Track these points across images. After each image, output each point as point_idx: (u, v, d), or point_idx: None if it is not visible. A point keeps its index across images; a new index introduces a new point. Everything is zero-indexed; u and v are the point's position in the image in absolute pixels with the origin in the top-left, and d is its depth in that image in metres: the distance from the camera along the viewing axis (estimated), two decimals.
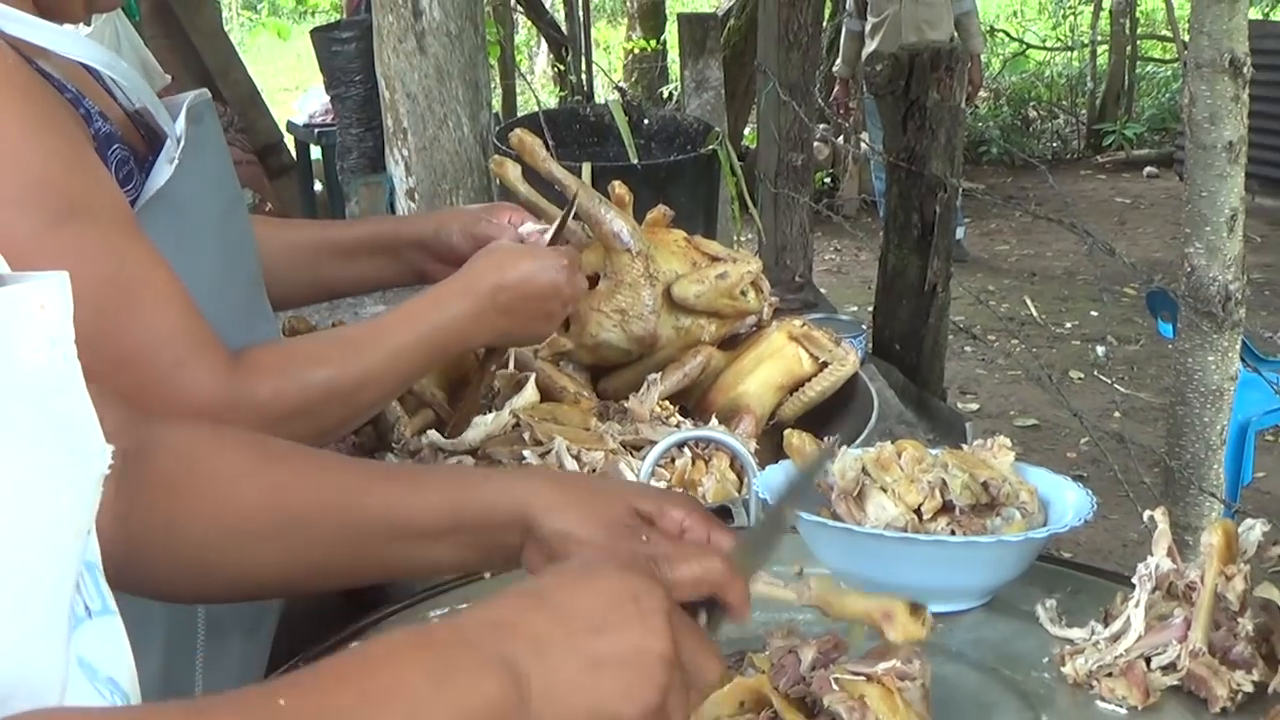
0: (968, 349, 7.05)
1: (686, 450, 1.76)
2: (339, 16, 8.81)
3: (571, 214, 1.87)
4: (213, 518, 1.14)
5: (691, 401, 1.94)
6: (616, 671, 0.87)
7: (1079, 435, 5.55)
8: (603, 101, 4.19)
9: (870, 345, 3.30)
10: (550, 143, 2.13)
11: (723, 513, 1.65)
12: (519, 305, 1.57)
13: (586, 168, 2.10)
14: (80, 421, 0.82)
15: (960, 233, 9.00)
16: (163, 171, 1.40)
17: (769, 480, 1.41)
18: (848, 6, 9.35)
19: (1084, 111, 13.30)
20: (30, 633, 0.73)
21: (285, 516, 1.17)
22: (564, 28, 10.03)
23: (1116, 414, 6.20)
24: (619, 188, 2.05)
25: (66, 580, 0.77)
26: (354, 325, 1.73)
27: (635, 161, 3.14)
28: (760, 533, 1.10)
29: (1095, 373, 6.85)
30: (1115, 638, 1.18)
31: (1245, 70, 2.67)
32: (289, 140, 7.34)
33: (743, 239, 3.66)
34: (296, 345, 1.64)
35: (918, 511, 1.32)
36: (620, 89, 8.86)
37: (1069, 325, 7.88)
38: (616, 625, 0.88)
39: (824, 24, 7.61)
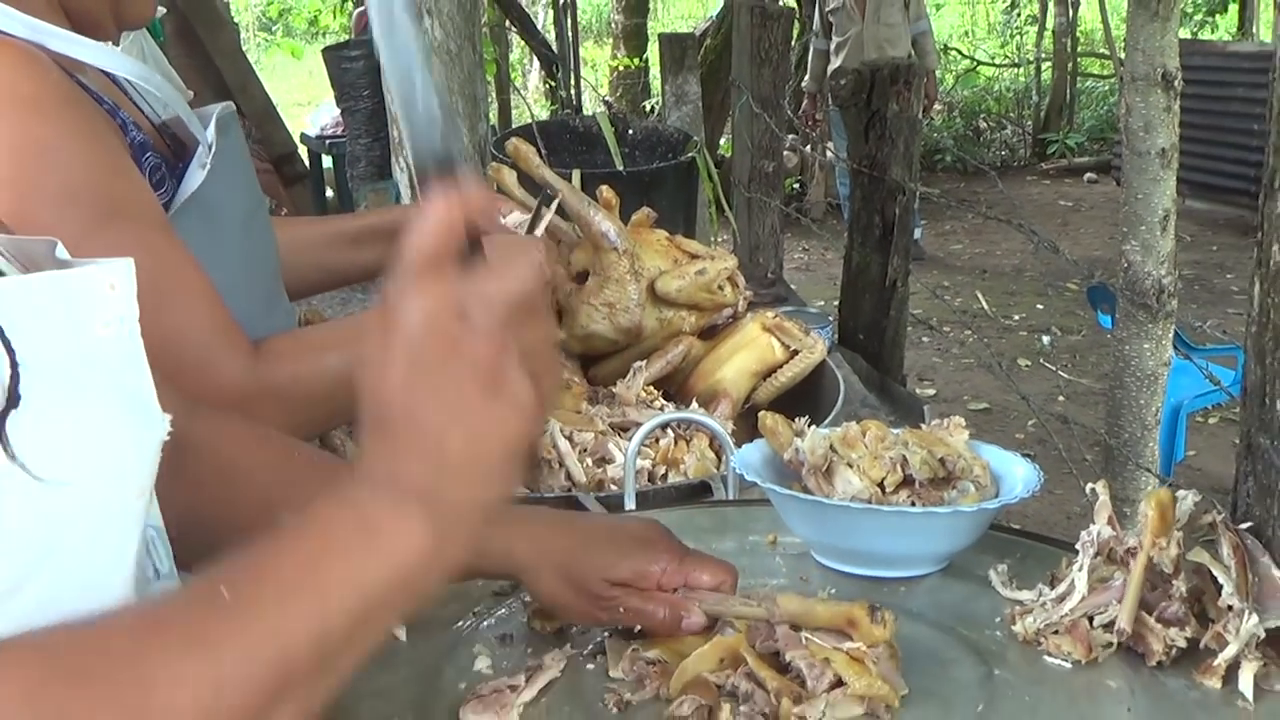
0: (925, 339, 7.05)
1: (669, 431, 1.77)
2: (348, 37, 8.80)
3: (551, 206, 1.88)
4: (250, 520, 1.13)
5: (674, 387, 1.95)
6: (486, 413, 0.78)
7: (1026, 417, 5.56)
8: (591, 114, 4.18)
9: (836, 335, 3.30)
10: (543, 151, 2.12)
11: (703, 488, 1.66)
12: None
13: (576, 174, 2.10)
14: (143, 391, 0.83)
15: (918, 233, 9.01)
16: (195, 176, 1.40)
17: (745, 458, 1.41)
18: (814, 27, 9.35)
19: (1029, 123, 13.32)
20: (92, 581, 0.73)
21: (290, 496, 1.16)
22: (554, 47, 10.01)
23: (1060, 398, 6.22)
24: (606, 192, 2.06)
25: (132, 535, 0.77)
26: (365, 312, 1.73)
27: (621, 168, 3.15)
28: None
29: (1041, 360, 6.87)
30: (1060, 599, 1.18)
31: (1176, 84, 2.69)
32: (302, 150, 7.33)
33: (719, 239, 3.66)
34: (311, 332, 1.65)
35: (881, 485, 1.33)
36: (607, 102, 8.83)
37: (1017, 317, 7.90)
38: (454, 385, 0.78)
39: (792, 43, 7.60)
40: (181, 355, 1.29)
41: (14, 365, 0.69)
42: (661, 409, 1.84)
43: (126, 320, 0.81)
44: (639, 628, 1.16)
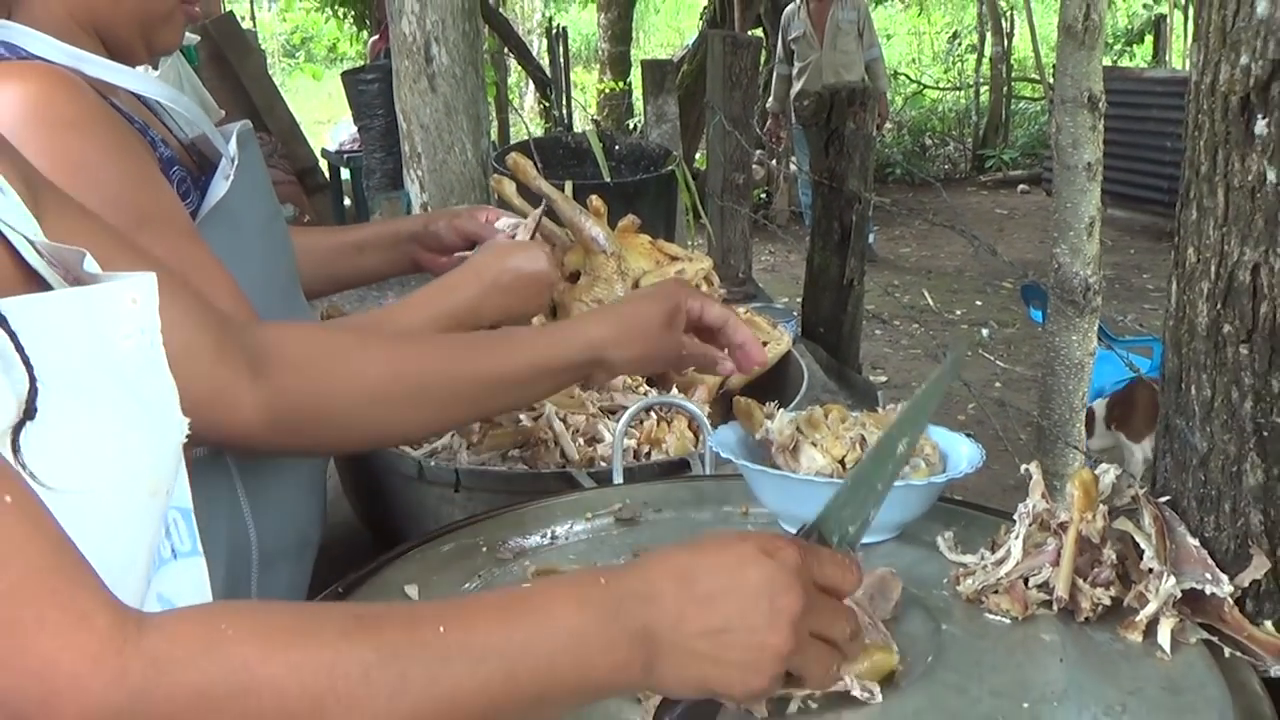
0: (878, 332, 7.06)
1: (652, 413, 1.76)
2: (364, 62, 8.76)
3: (545, 214, 1.89)
4: (340, 389, 1.16)
5: (656, 374, 1.94)
6: (735, 659, 0.80)
7: (967, 401, 5.57)
8: (581, 131, 4.16)
9: (800, 329, 3.30)
10: (539, 164, 2.11)
11: (682, 464, 1.65)
12: (517, 285, 1.57)
13: (568, 185, 2.09)
14: (162, 398, 0.81)
15: (871, 238, 9.01)
16: (219, 187, 1.39)
17: (720, 437, 1.40)
18: (778, 54, 9.34)
19: (969, 139, 13.35)
20: (106, 572, 0.72)
21: (405, 385, 1.20)
22: (548, 71, 9.99)
23: (997, 384, 6.23)
24: (595, 201, 2.05)
25: (145, 530, 0.76)
26: (376, 311, 1.72)
27: (608, 180, 3.13)
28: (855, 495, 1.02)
29: (980, 350, 6.88)
30: (999, 562, 1.18)
31: (1100, 105, 2.69)
32: (323, 164, 7.31)
33: (695, 243, 3.65)
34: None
35: (842, 461, 1.33)
36: (595, 121, 8.83)
37: (958, 312, 7.92)
38: (746, 623, 0.80)
39: (760, 68, 7.60)
40: None
41: (32, 381, 0.68)
42: (645, 394, 1.83)
43: (147, 331, 0.80)
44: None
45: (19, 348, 0.68)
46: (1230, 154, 1.10)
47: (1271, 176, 1.06)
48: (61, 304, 0.76)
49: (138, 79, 1.34)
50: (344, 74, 5.58)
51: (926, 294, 8.22)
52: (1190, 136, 1.17)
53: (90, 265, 0.81)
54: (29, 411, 0.67)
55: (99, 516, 0.72)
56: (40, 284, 0.82)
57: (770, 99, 9.34)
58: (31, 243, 0.82)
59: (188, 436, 0.82)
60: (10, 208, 0.82)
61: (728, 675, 0.80)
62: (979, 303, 8.08)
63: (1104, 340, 4.07)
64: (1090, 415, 4.48)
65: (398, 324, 1.49)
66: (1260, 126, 1.07)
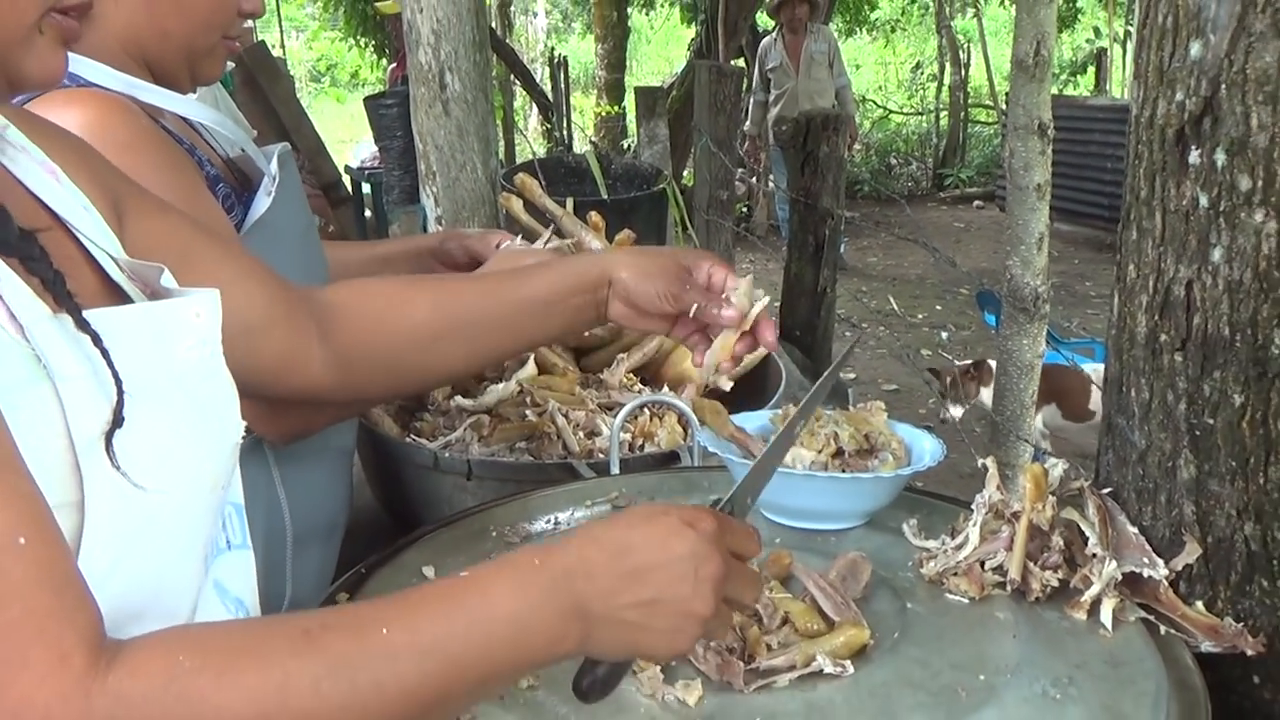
0: (847, 334, 7.04)
1: (646, 410, 1.76)
2: (383, 87, 8.74)
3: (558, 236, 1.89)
4: (395, 332, 1.17)
5: (649, 374, 1.94)
6: (662, 626, 0.80)
7: (928, 396, 5.58)
8: (580, 152, 4.16)
9: (778, 332, 3.31)
10: (543, 183, 2.11)
11: (672, 456, 1.65)
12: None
13: (570, 202, 2.09)
14: (221, 402, 0.81)
15: (842, 248, 9.01)
16: (261, 203, 1.39)
17: (707, 434, 1.40)
18: (755, 82, 9.32)
19: (930, 160, 13.35)
20: (168, 563, 0.72)
21: (449, 320, 1.20)
22: (550, 96, 9.98)
23: None
24: (594, 217, 2.05)
25: (206, 523, 0.76)
26: None
27: (605, 197, 3.13)
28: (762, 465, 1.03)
29: (939, 351, 6.89)
30: (959, 547, 1.18)
31: (1049, 132, 2.70)
32: (346, 179, 7.29)
33: None
34: None
35: (817, 456, 1.33)
36: (593, 142, 8.81)
37: (920, 316, 7.91)
38: (674, 593, 0.79)
39: (742, 95, 7.59)
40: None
41: (120, 391, 0.68)
42: (639, 392, 1.83)
43: (209, 342, 0.80)
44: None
45: (109, 361, 0.68)
46: (1167, 181, 1.11)
47: (1204, 201, 1.06)
48: (134, 317, 0.76)
49: (184, 103, 1.34)
50: (366, 99, 5.56)
51: (892, 300, 8.22)
52: (1131, 165, 1.17)
53: (168, 280, 0.82)
54: (118, 420, 0.67)
55: (173, 512, 0.72)
56: (121, 296, 0.82)
57: (748, 123, 9.33)
58: (114, 260, 0.82)
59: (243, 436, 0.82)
60: (95, 226, 0.82)
61: (656, 640, 0.80)
62: (939, 308, 8.08)
63: (1051, 343, 4.07)
64: (954, 377, 4.45)
65: None
66: (1194, 156, 1.07)
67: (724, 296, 1.25)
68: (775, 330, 1.27)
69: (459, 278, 1.33)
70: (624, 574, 0.78)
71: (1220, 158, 1.04)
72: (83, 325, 0.69)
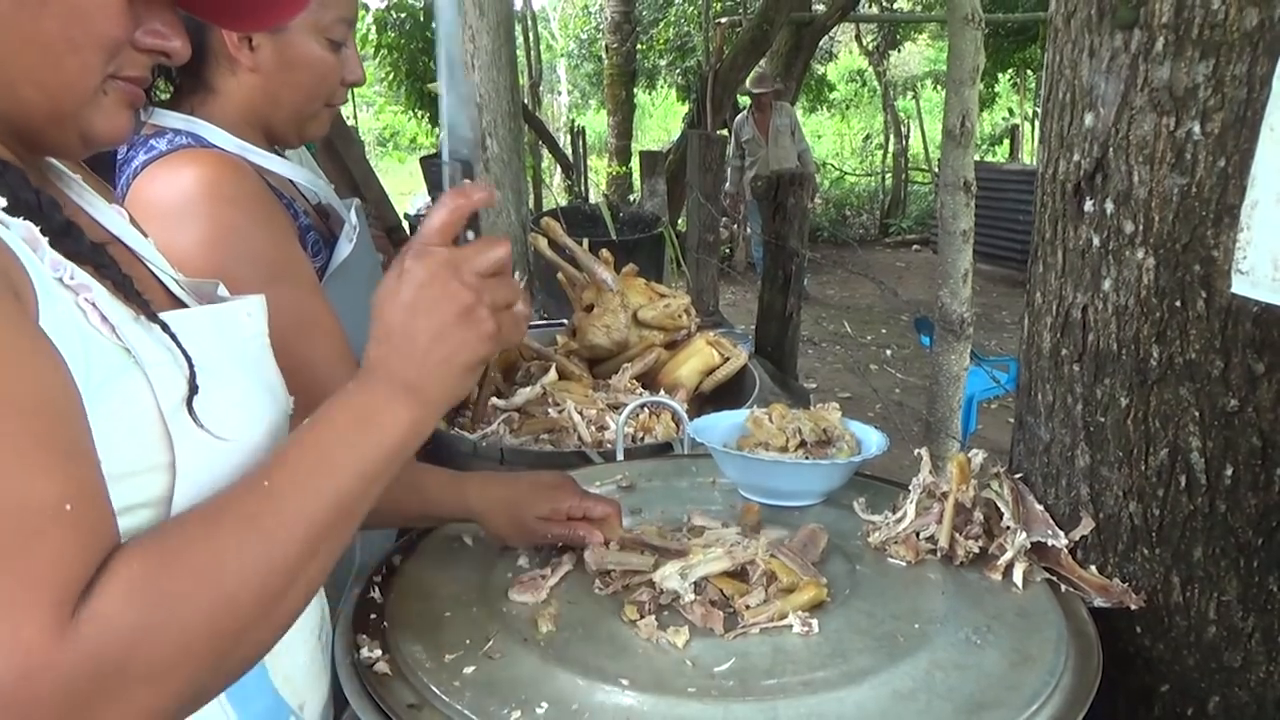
0: (810, 351, 7.03)
1: (645, 409, 1.76)
2: (435, 150, 8.74)
3: (569, 261, 1.89)
4: None
5: (648, 380, 1.94)
6: (460, 336, 0.72)
7: (875, 403, 5.56)
8: (594, 201, 4.16)
9: (753, 349, 3.30)
10: (564, 225, 2.11)
11: (666, 447, 1.65)
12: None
13: (585, 241, 2.09)
14: (273, 382, 0.82)
15: (806, 282, 9.00)
16: (344, 247, 1.38)
17: (696, 426, 1.40)
18: (730, 150, 9.25)
19: (878, 211, 13.34)
20: None
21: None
22: (570, 158, 9.98)
23: (897, 390, 6.20)
24: (605, 253, 2.05)
25: None
26: None
27: (615, 237, 3.13)
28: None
29: (885, 366, 6.88)
30: (898, 521, 1.18)
31: (972, 189, 2.70)
32: (405, 224, 7.28)
33: (677, 284, 3.65)
34: None
35: (784, 447, 1.32)
36: (605, 195, 8.81)
37: (869, 338, 7.88)
38: (442, 310, 0.72)
39: (724, 158, 7.60)
40: (315, 377, 1.23)
41: (190, 364, 0.69)
42: (640, 395, 1.83)
43: (259, 336, 0.82)
44: (560, 545, 1.13)
45: (178, 343, 0.69)
46: (1066, 225, 1.11)
47: (1096, 242, 1.06)
48: (199, 316, 0.78)
49: (285, 166, 1.33)
50: (422, 159, 5.58)
51: (846, 324, 8.20)
52: (1037, 212, 1.17)
53: (222, 291, 0.83)
54: (193, 388, 0.68)
55: (244, 461, 0.72)
56: (181, 306, 0.82)
57: (728, 184, 9.31)
58: (174, 278, 0.83)
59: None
60: (155, 255, 0.83)
61: (466, 354, 0.73)
62: (884, 331, 8.05)
63: (974, 359, 4.06)
64: None
65: None
66: (1088, 205, 1.07)
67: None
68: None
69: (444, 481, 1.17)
70: (405, 334, 0.72)
71: (1109, 206, 1.04)
72: (153, 317, 0.70)
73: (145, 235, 0.85)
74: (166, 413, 0.67)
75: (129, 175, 1.21)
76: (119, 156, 1.25)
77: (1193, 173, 0.97)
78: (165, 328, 0.70)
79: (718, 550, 1.01)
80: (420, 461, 1.77)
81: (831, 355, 6.97)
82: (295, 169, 1.35)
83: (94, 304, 0.66)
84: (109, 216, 0.81)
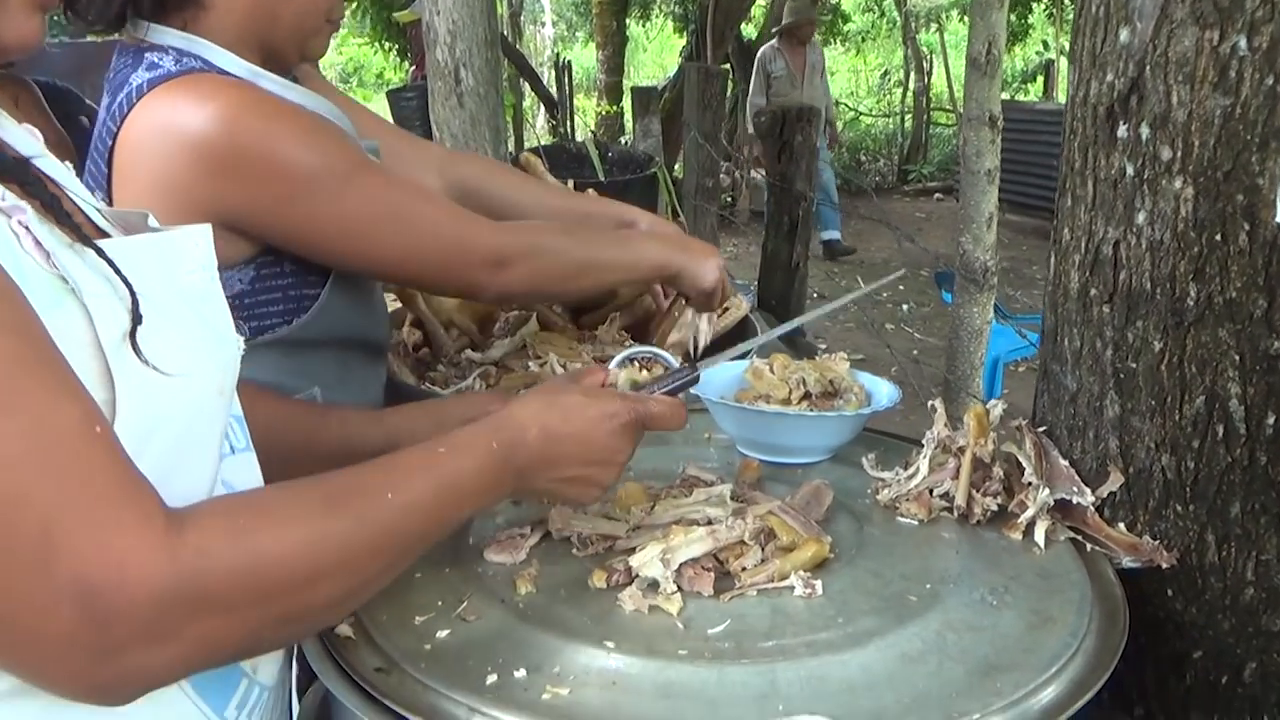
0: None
1: (636, 362, 1.76)
2: (405, 83, 8.69)
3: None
4: (302, 462, 1.00)
5: (639, 332, 1.94)
6: (571, 493, 0.97)
7: (891, 364, 5.58)
8: (581, 139, 4.15)
9: (756, 301, 3.31)
10: (546, 165, 2.11)
11: None
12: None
13: (571, 183, 2.08)
14: (220, 320, 0.83)
15: (838, 235, 9.01)
16: None
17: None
18: (752, 87, 9.07)
19: (896, 157, 13.30)
20: (186, 452, 0.74)
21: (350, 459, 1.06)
22: (555, 97, 9.93)
23: (915, 351, 6.23)
24: (592, 193, 2.04)
25: (214, 422, 0.78)
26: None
27: (602, 179, 3.13)
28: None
29: (901, 325, 6.90)
30: (910, 477, 1.19)
31: (998, 124, 2.69)
32: None
33: None
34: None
35: (787, 398, 1.33)
36: (593, 132, 8.76)
37: (884, 295, 7.90)
38: (588, 476, 0.96)
39: (726, 95, 7.54)
40: (456, 259, 1.32)
41: (132, 293, 0.70)
42: (629, 347, 1.84)
43: (206, 268, 0.82)
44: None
45: (117, 270, 0.70)
46: (1098, 153, 1.11)
47: (1129, 171, 1.07)
48: (141, 244, 0.78)
49: (302, 95, 1.33)
50: (388, 92, 5.56)
51: (859, 279, 8.22)
52: (1067, 139, 1.18)
53: (153, 222, 0.83)
54: (137, 318, 0.69)
55: (190, 403, 0.74)
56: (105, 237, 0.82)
57: (750, 128, 9.21)
58: (98, 209, 0.83)
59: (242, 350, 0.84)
60: (73, 183, 0.83)
61: (564, 498, 1.00)
62: (901, 288, 8.05)
63: (1001, 317, 4.09)
64: None
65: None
66: (1122, 131, 1.08)
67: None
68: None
69: (368, 417, 1.19)
70: (549, 459, 0.93)
71: (1145, 131, 1.05)
72: (88, 242, 0.70)
73: (66, 163, 0.84)
74: (107, 346, 0.68)
75: (129, 94, 1.20)
76: (109, 72, 1.25)
77: (1237, 92, 0.98)
78: (102, 254, 0.70)
79: (699, 531, 1.02)
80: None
81: (843, 313, 6.98)
82: (313, 98, 1.35)
83: (27, 228, 0.67)
84: (17, 135, 0.80)
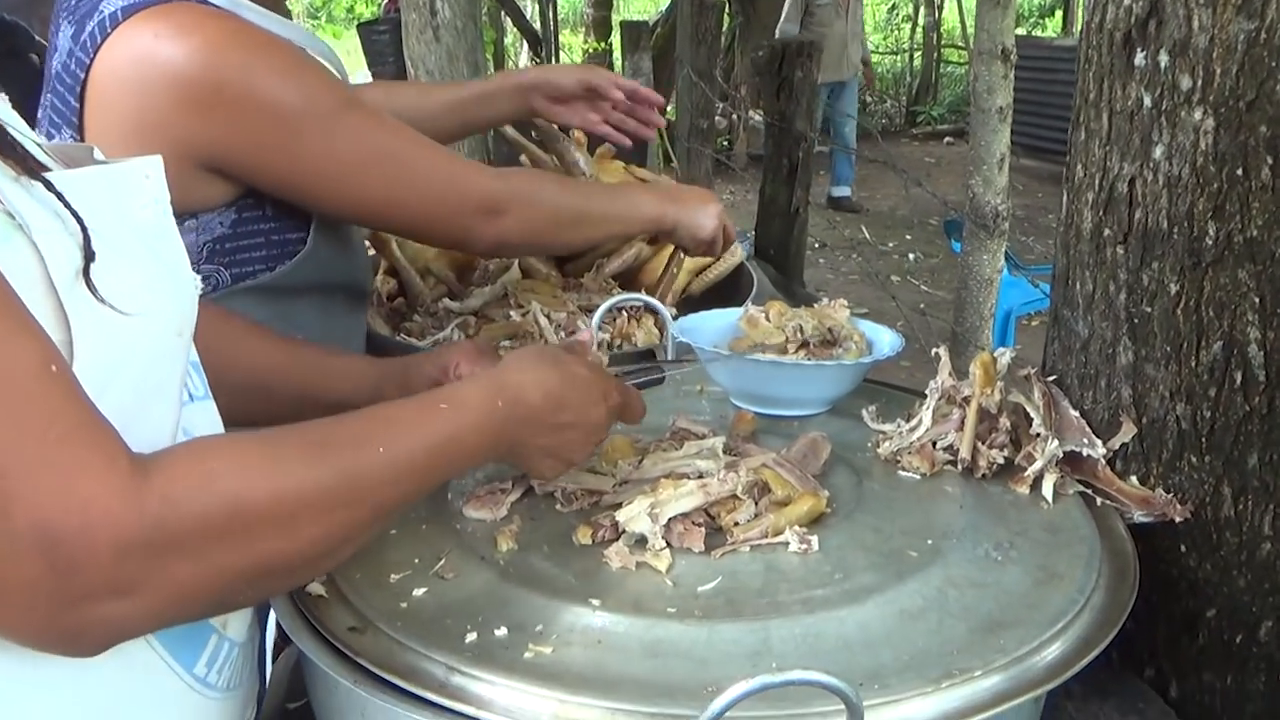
0: (821, 261, 7.07)
1: (624, 313, 1.77)
2: (378, 16, 8.60)
3: (535, 142, 1.88)
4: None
5: (627, 280, 1.94)
6: (548, 463, 0.99)
7: (896, 319, 5.59)
8: None
9: (753, 251, 3.31)
10: None
11: (648, 355, 1.67)
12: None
13: (554, 127, 2.07)
14: (176, 258, 0.83)
15: (848, 190, 8.94)
16: None
17: (682, 325, 1.42)
18: (786, 12, 8.81)
19: (904, 98, 13.26)
20: (146, 396, 0.75)
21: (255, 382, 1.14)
22: (539, 33, 9.85)
23: (921, 305, 6.25)
24: (577, 132, 2.03)
25: (173, 364, 0.78)
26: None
27: None
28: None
29: (908, 277, 6.91)
30: (913, 429, 1.20)
31: (1012, 57, 2.68)
32: None
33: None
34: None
35: (783, 347, 1.34)
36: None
37: (890, 245, 7.92)
38: (571, 448, 0.99)
39: (723, 28, 7.47)
40: (443, 208, 1.34)
41: (84, 228, 0.70)
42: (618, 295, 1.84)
43: (160, 202, 0.82)
44: None
45: (66, 204, 0.70)
46: (1114, 83, 1.11)
47: (1147, 101, 1.07)
48: (91, 177, 0.77)
49: (287, 28, 1.32)
50: (359, 25, 5.51)
51: (864, 229, 8.22)
52: (1081, 69, 1.18)
53: (99, 155, 0.83)
54: (89, 254, 0.69)
55: (149, 344, 0.74)
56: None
57: (734, 56, 9.13)
58: (39, 145, 0.82)
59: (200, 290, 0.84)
60: (8, 115, 0.82)
61: (536, 468, 1.00)
62: (908, 237, 8.08)
63: (1014, 267, 4.09)
64: None
65: None
66: (1139, 59, 1.08)
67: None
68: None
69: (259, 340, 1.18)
70: (548, 425, 0.96)
71: (1164, 59, 1.05)
72: (36, 175, 0.70)
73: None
74: (60, 285, 0.68)
75: (102, 22, 1.19)
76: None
77: (1262, 15, 0.98)
78: (51, 187, 0.71)
79: (690, 485, 1.03)
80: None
81: (846, 265, 7.00)
82: (298, 30, 1.34)
83: None
84: None
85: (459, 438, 0.86)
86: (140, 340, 0.73)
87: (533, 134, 2.06)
